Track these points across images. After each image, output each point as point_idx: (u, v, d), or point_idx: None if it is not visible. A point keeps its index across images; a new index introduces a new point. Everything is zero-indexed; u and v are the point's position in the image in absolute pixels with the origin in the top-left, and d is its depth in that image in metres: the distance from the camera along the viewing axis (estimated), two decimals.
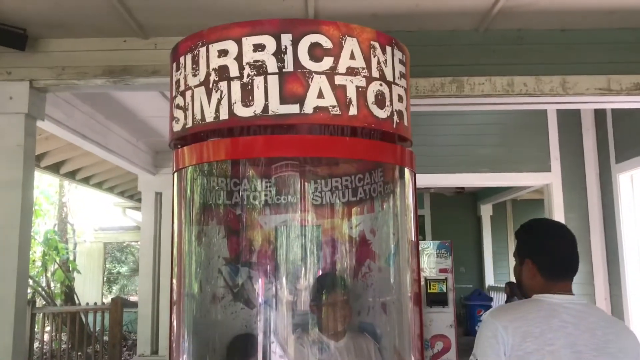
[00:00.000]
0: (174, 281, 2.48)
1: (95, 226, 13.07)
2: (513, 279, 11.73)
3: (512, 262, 7.78)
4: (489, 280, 12.07)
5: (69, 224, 11.53)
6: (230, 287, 2.82)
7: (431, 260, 2.55)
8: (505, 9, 3.69)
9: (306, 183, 2.81)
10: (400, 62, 2.30)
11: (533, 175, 7.67)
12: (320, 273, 2.77)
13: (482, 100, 4.23)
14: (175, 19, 3.90)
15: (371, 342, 2.67)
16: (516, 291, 10.44)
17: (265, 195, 2.80)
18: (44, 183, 11.14)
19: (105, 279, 14.04)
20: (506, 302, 10.40)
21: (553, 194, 7.58)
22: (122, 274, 15.25)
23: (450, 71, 4.15)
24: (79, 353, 8.98)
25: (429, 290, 2.52)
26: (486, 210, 12.35)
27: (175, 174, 2.41)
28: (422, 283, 2.45)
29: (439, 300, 2.54)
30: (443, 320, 2.54)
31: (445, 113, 6.67)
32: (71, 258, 11.38)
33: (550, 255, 1.91)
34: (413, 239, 2.42)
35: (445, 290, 2.57)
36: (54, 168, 8.24)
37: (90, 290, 12.57)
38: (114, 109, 6.30)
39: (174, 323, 2.46)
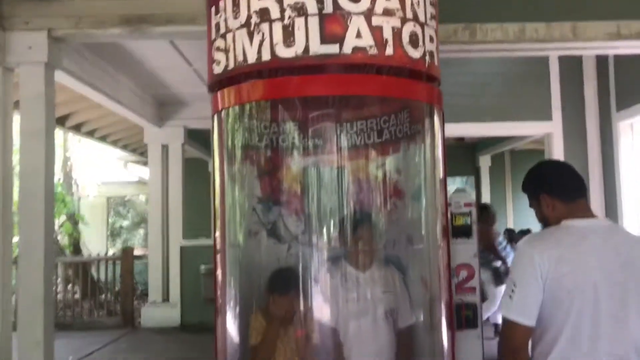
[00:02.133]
0: (217, 220, 2.62)
1: (98, 180, 13.17)
2: (511, 226, 11.99)
3: (510, 211, 8.07)
4: None
5: (73, 178, 11.64)
6: (264, 224, 2.98)
7: (456, 195, 2.70)
8: None
9: (334, 125, 2.93)
10: (431, 3, 2.40)
11: (534, 124, 7.78)
12: (347, 210, 2.92)
13: (495, 47, 4.31)
14: None
15: (396, 273, 2.84)
16: (514, 237, 10.72)
17: (295, 137, 2.92)
18: None
19: (108, 232, 14.26)
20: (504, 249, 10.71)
21: (554, 143, 7.72)
22: (125, 227, 15.44)
23: (462, 17, 4.21)
24: (91, 302, 9.22)
25: (454, 223, 2.67)
26: (485, 162, 12.53)
27: (215, 116, 2.52)
28: (448, 216, 2.62)
29: (463, 232, 2.69)
30: (467, 251, 2.70)
31: (447, 62, 6.71)
32: (76, 211, 11.53)
33: (558, 179, 2.09)
34: (441, 176, 2.56)
35: (469, 223, 2.72)
36: (60, 121, 8.27)
37: (95, 243, 12.76)
38: (124, 60, 6.33)
39: (218, 271, 2.60)
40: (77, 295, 9.27)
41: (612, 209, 6.69)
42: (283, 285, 2.62)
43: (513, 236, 10.60)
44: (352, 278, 2.76)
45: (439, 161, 2.54)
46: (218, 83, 2.48)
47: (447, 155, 2.49)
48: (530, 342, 1.97)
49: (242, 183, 2.84)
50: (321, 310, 2.65)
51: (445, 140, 2.55)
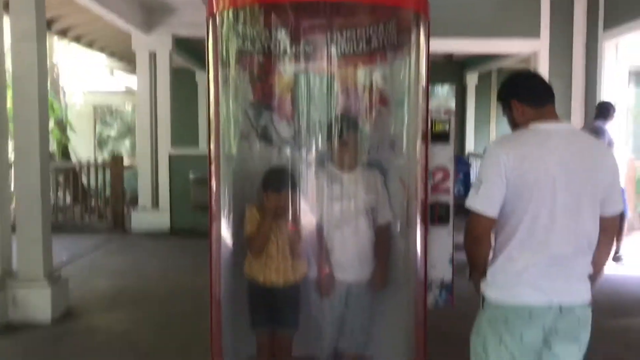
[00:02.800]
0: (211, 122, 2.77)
1: (84, 89, 13.10)
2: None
3: (494, 129, 8.39)
4: (470, 147, 12.62)
5: (60, 85, 11.56)
6: (255, 128, 3.14)
7: (437, 103, 2.82)
8: None
9: (324, 33, 3.03)
10: None
11: (522, 42, 7.87)
12: (334, 116, 3.08)
13: None
14: None
15: (378, 175, 3.05)
16: None
17: (287, 43, 3.02)
18: None
19: (95, 141, 14.33)
20: None
21: (540, 61, 7.84)
22: (112, 136, 15.51)
23: None
24: (82, 206, 9.46)
25: (434, 130, 2.84)
26: (472, 79, 12.61)
27: (210, 19, 2.61)
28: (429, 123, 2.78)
29: (442, 137, 2.87)
30: (444, 155, 2.89)
31: None
32: (64, 118, 11.54)
33: (528, 87, 2.25)
34: (424, 85, 2.71)
35: (447, 129, 2.90)
36: (47, 25, 8.14)
37: (82, 152, 12.85)
38: None
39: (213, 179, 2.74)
40: (67, 201, 9.49)
41: (592, 125, 6.89)
42: (276, 183, 2.81)
43: None
44: (336, 179, 2.95)
45: (423, 69, 2.68)
46: None
47: (432, 68, 2.63)
48: (494, 234, 2.21)
49: (236, 88, 2.97)
50: (307, 206, 2.87)
51: (429, 50, 2.67)
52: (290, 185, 2.83)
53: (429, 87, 2.74)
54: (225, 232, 2.91)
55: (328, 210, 2.92)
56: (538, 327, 2.10)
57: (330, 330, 2.95)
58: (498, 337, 2.15)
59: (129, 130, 15.48)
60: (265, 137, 3.15)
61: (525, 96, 2.20)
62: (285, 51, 3.04)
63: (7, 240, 4.70)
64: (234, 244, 2.95)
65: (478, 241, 2.16)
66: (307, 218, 2.85)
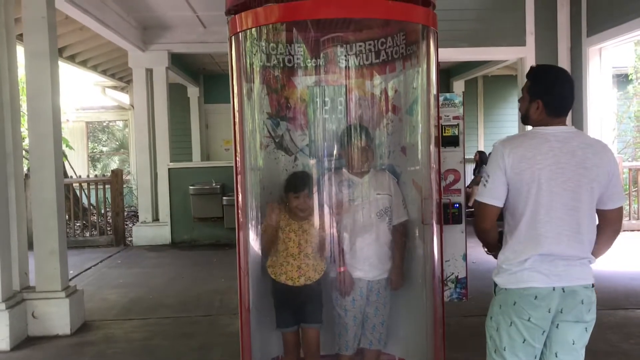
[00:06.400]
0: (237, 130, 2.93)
1: (76, 105, 13.18)
2: (482, 149, 12.50)
3: (482, 134, 8.65)
4: None
5: None
6: (273, 138, 3.32)
7: (446, 110, 3.04)
8: None
9: (334, 47, 3.23)
10: None
11: (509, 49, 8.16)
12: (347, 125, 3.27)
13: None
14: None
15: (390, 177, 3.24)
16: (485, 159, 11.32)
17: (302, 58, 3.22)
18: None
19: (89, 157, 14.39)
20: (474, 169, 11.34)
21: (526, 67, 8.11)
22: (105, 152, 15.57)
23: None
24: (80, 223, 9.54)
25: (443, 134, 3.04)
26: (458, 87, 12.90)
27: (233, 38, 2.79)
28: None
29: (451, 141, 3.08)
30: (454, 158, 3.10)
31: None
32: None
33: (557, 96, 2.41)
34: (434, 92, 2.90)
35: (457, 134, 3.11)
36: None
37: (76, 168, 12.92)
38: None
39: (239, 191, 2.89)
40: (67, 217, 9.55)
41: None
42: (297, 185, 3.00)
43: (484, 157, 11.22)
44: (351, 183, 3.14)
45: (433, 78, 2.88)
46: (235, 7, 2.74)
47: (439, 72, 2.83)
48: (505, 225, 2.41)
49: (260, 101, 3.16)
50: (326, 209, 3.05)
51: (438, 58, 2.88)
52: (309, 187, 3.02)
53: (439, 95, 2.94)
54: (252, 241, 3.06)
55: (345, 213, 3.10)
56: (544, 308, 2.29)
57: (354, 326, 3.12)
58: (509, 320, 2.35)
59: (121, 146, 15.55)
60: (283, 146, 3.33)
61: (550, 105, 2.38)
62: (300, 65, 3.24)
63: (24, 254, 4.82)
64: (260, 252, 3.12)
65: (486, 232, 2.45)
66: (326, 219, 3.04)
